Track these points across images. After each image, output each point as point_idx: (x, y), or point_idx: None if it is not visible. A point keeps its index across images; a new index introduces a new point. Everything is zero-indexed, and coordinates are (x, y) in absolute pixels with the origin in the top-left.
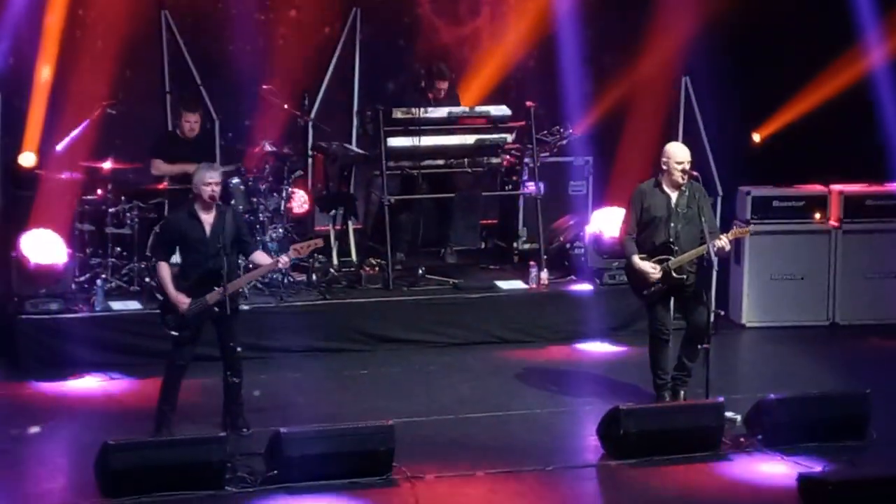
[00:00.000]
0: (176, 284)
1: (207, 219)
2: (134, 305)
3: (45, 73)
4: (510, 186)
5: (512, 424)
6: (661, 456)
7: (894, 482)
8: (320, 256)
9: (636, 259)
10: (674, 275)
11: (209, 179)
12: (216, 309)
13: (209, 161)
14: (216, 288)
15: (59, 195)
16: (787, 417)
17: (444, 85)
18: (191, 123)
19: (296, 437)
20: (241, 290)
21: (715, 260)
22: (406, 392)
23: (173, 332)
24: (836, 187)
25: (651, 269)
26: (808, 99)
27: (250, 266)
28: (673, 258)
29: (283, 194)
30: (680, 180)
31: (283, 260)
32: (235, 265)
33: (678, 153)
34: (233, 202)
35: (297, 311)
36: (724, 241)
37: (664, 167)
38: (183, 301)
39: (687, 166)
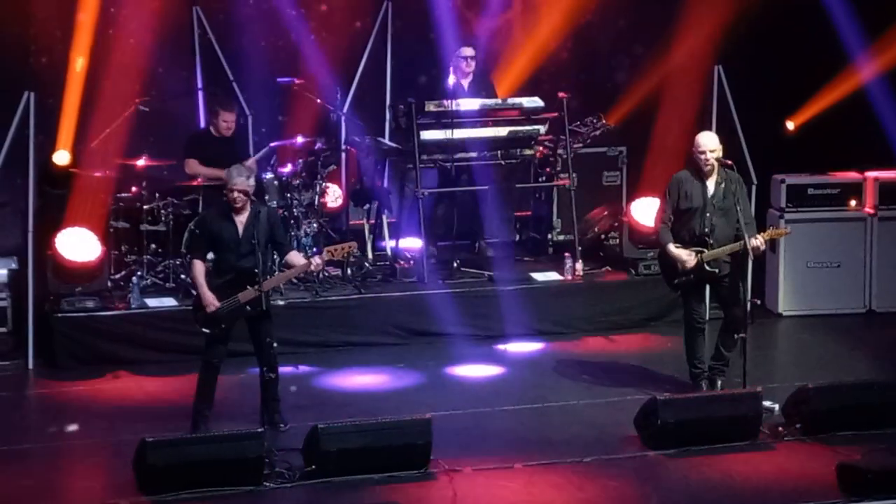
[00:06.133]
0: (209, 281)
1: (241, 218)
2: (170, 302)
3: (78, 71)
4: (544, 178)
5: (549, 416)
6: (699, 446)
7: None
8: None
9: (671, 247)
10: (706, 268)
11: (231, 185)
12: (248, 308)
13: (245, 157)
14: (248, 287)
15: (93, 193)
16: (825, 406)
17: (470, 52)
18: (228, 123)
19: (333, 431)
20: (276, 287)
21: (751, 254)
22: (442, 385)
23: (205, 329)
24: (871, 174)
25: (686, 256)
26: (842, 86)
27: (284, 267)
28: (707, 251)
29: (317, 189)
30: (704, 167)
31: (316, 262)
32: (269, 264)
33: (700, 141)
34: (266, 198)
35: (332, 305)
36: (759, 241)
37: (694, 157)
38: (211, 302)
39: (711, 154)
